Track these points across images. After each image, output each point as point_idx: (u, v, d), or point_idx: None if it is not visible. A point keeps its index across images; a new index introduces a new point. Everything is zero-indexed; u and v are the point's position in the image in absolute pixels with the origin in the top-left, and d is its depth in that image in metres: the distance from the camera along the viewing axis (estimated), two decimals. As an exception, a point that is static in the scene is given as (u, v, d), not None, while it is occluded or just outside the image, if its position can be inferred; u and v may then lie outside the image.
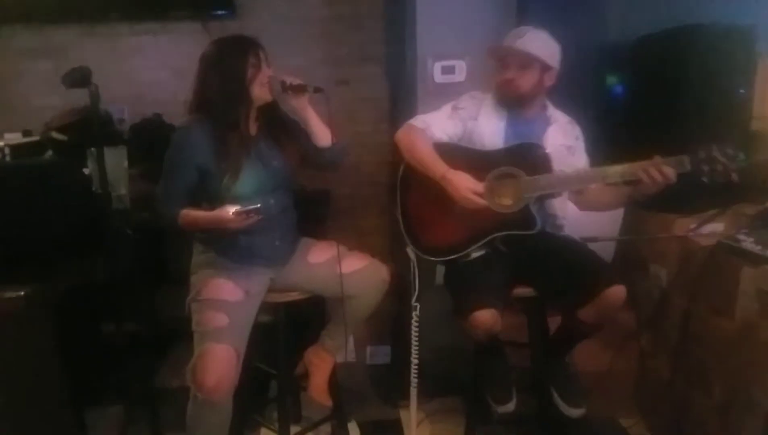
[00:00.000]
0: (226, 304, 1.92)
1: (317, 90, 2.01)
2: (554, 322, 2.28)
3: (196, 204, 1.98)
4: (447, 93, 2.36)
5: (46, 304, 1.56)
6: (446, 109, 2.22)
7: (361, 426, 2.56)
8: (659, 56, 2.33)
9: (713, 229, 2.20)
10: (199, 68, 1.99)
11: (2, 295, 1.50)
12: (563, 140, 2.16)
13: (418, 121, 2.20)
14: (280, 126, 2.11)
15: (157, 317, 2.50)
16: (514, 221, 2.06)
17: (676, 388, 2.28)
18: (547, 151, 2.07)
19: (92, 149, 2.20)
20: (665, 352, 2.37)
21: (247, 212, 1.86)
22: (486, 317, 1.92)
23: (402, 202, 2.25)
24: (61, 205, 1.80)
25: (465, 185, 2.03)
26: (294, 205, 2.18)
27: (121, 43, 3.04)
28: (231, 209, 1.85)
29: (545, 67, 2.09)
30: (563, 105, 2.23)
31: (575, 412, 2.08)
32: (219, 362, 1.82)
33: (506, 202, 2.07)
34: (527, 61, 2.06)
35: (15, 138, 2.63)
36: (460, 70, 2.53)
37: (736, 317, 2.01)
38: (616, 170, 1.96)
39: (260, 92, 1.99)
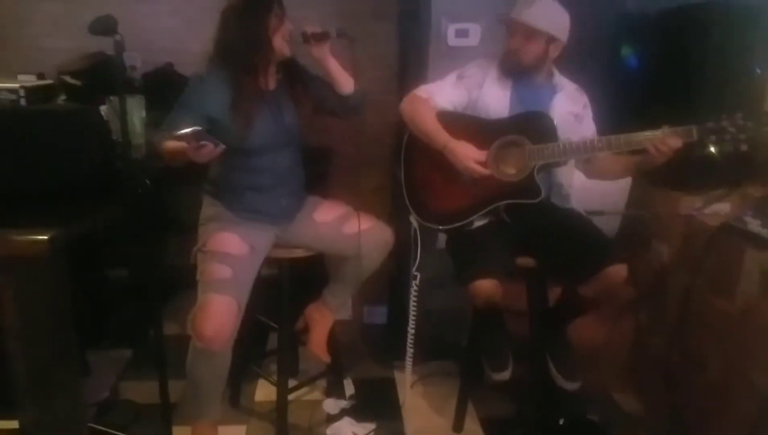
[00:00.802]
0: (231, 257, 1.95)
1: (341, 35, 2.03)
2: (554, 293, 2.30)
3: None
4: (459, 57, 2.33)
5: (67, 248, 1.58)
6: (451, 77, 2.21)
7: (355, 383, 2.60)
8: (678, 31, 2.30)
9: (719, 209, 2.18)
10: (221, 18, 1.99)
11: (27, 238, 1.52)
12: (571, 108, 2.14)
13: (422, 91, 2.20)
14: (298, 81, 2.12)
15: (164, 265, 2.53)
16: (517, 190, 2.06)
17: (672, 365, 2.29)
18: (553, 119, 2.06)
19: (112, 98, 2.19)
20: (662, 328, 2.37)
21: (186, 136, 1.68)
22: (487, 286, 1.94)
23: (406, 171, 2.25)
24: (82, 152, 1.82)
25: (467, 154, 2.04)
26: (302, 163, 2.19)
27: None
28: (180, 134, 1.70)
29: (551, 39, 2.06)
30: (578, 74, 2.20)
31: (570, 385, 2.12)
32: (219, 313, 1.85)
33: (510, 170, 2.07)
34: (532, 32, 2.04)
35: (29, 80, 2.61)
36: (474, 33, 2.46)
37: (737, 299, 2.01)
38: (622, 139, 1.95)
39: (281, 45, 1.99)
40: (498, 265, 1.99)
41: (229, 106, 1.96)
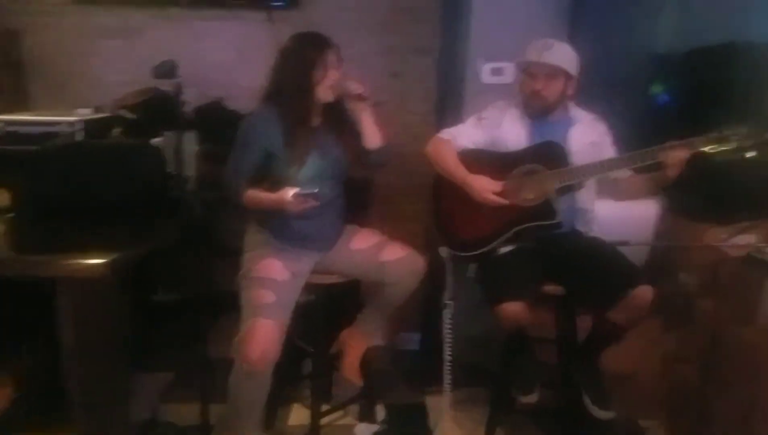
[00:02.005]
0: (274, 283, 2.06)
1: (377, 104, 2.17)
2: (582, 321, 2.36)
3: (259, 182, 2.12)
4: (494, 93, 2.47)
5: (125, 272, 1.72)
6: (471, 120, 2.37)
7: (387, 408, 2.64)
8: (704, 70, 2.39)
9: (744, 240, 2.23)
10: (276, 59, 2.15)
11: (88, 262, 1.66)
12: (589, 137, 2.26)
13: (445, 133, 2.37)
14: (340, 120, 2.23)
15: (210, 289, 2.66)
16: (535, 214, 2.17)
17: (698, 393, 2.32)
18: (563, 146, 2.19)
19: (168, 133, 2.36)
20: (689, 357, 2.41)
21: (306, 196, 1.98)
22: (513, 309, 2.02)
23: (435, 206, 2.40)
24: (141, 182, 1.99)
25: (483, 186, 2.20)
26: (343, 194, 2.31)
27: (188, 28, 3.19)
28: (291, 192, 1.98)
29: (569, 76, 2.20)
30: (611, 112, 2.32)
31: (606, 415, 2.15)
32: (265, 336, 1.96)
33: (529, 196, 2.19)
34: (554, 72, 2.17)
35: (86, 113, 2.79)
36: (509, 71, 2.60)
37: (758, 327, 2.06)
38: (629, 157, 2.08)
39: (324, 94, 2.13)
40: (523, 289, 2.07)
41: (281, 141, 2.10)
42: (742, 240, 2.23)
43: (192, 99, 3.01)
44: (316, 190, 2.00)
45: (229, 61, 3.17)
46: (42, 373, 1.82)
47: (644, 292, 1.98)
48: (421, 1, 3.18)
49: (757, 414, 2.00)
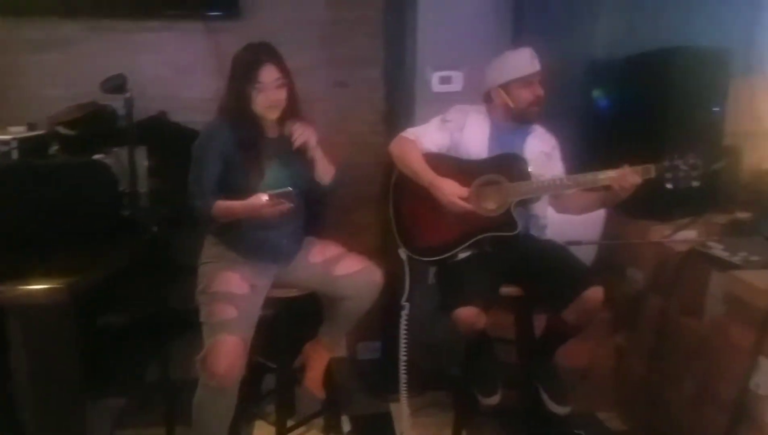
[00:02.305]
0: (234, 297, 2.02)
1: (342, 85, 2.22)
2: (539, 320, 2.43)
3: (219, 194, 2.07)
4: (444, 102, 2.49)
5: (84, 297, 1.65)
6: (435, 121, 2.38)
7: (352, 419, 2.65)
8: (643, 75, 2.49)
9: (687, 236, 2.36)
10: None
11: (47, 288, 1.58)
12: (542, 148, 2.33)
13: (409, 133, 2.36)
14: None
15: (159, 309, 2.58)
16: (497, 224, 2.22)
17: (651, 384, 2.43)
18: (527, 157, 2.25)
19: (115, 149, 2.28)
20: (640, 350, 2.52)
21: (279, 196, 1.94)
22: (468, 314, 2.05)
23: (395, 207, 2.40)
24: (92, 202, 1.90)
25: (451, 190, 2.20)
26: (303, 204, 2.27)
27: (125, 39, 3.07)
28: (264, 196, 1.94)
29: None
30: (553, 116, 2.39)
31: (562, 410, 2.22)
32: (229, 352, 1.91)
33: (491, 206, 2.23)
34: (542, 77, 2.26)
35: (20, 131, 2.64)
36: (457, 80, 2.67)
37: (705, 319, 2.18)
38: (588, 178, 2.15)
39: (264, 111, 2.09)
40: (480, 294, 2.10)
41: (237, 152, 2.07)
42: (684, 236, 2.35)
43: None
44: (289, 189, 1.96)
45: (167, 74, 3.08)
46: None
47: (595, 293, 2.05)
48: (363, 13, 3.19)
49: (706, 400, 2.11)
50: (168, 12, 3.05)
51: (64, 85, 3.00)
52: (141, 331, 2.58)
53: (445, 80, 2.69)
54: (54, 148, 2.65)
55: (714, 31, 2.54)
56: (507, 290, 2.26)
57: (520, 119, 2.31)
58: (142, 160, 2.37)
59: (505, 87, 2.27)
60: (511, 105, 2.28)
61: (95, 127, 2.64)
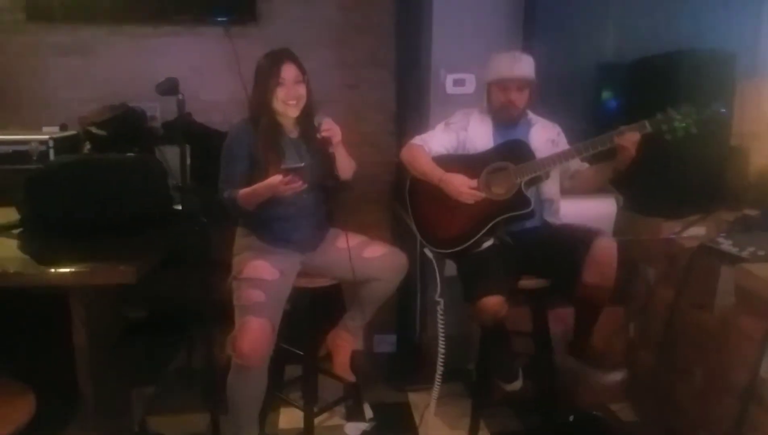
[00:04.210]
0: (264, 283, 2.14)
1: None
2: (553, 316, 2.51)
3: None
4: (457, 103, 2.62)
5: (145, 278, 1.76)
6: (440, 126, 2.50)
7: (373, 407, 2.74)
8: (651, 77, 2.58)
9: (696, 232, 2.44)
10: None
11: (120, 269, 1.69)
12: (547, 136, 2.44)
13: (417, 139, 2.48)
14: (314, 137, 2.25)
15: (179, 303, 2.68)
16: (510, 205, 2.31)
17: (661, 375, 2.51)
18: (534, 147, 2.35)
19: (159, 147, 2.41)
20: (652, 343, 2.60)
21: (293, 170, 2.05)
22: (494, 302, 2.15)
23: (414, 211, 2.50)
24: (146, 194, 2.03)
25: (461, 182, 2.31)
26: (327, 199, 2.39)
27: (144, 44, 3.19)
28: (278, 176, 2.04)
29: (534, 85, 2.37)
30: (561, 117, 2.49)
31: (512, 386, 2.36)
32: (256, 333, 2.05)
33: (501, 191, 2.33)
34: (523, 83, 2.34)
35: (54, 131, 2.78)
36: (470, 82, 2.77)
37: (715, 311, 2.25)
38: (588, 144, 2.24)
39: (281, 107, 2.21)
40: (503, 283, 2.20)
41: (259, 149, 2.18)
42: (694, 232, 2.44)
43: (159, 115, 3.07)
44: (302, 164, 2.08)
45: (187, 77, 3.13)
46: (58, 381, 1.82)
47: (605, 243, 2.16)
48: (375, 17, 3.31)
49: (717, 389, 2.18)
50: (185, 17, 3.16)
51: (87, 88, 3.14)
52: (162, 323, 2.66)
53: (458, 82, 2.79)
54: (87, 148, 2.77)
55: (720, 34, 2.66)
56: (525, 283, 2.34)
57: (496, 118, 2.42)
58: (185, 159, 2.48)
59: (488, 86, 2.40)
60: (485, 103, 2.41)
61: (126, 127, 2.78)
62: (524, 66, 2.33)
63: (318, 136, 2.17)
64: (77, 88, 3.15)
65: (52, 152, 2.62)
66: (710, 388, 2.23)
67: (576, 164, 2.39)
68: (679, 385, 2.42)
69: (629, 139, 2.16)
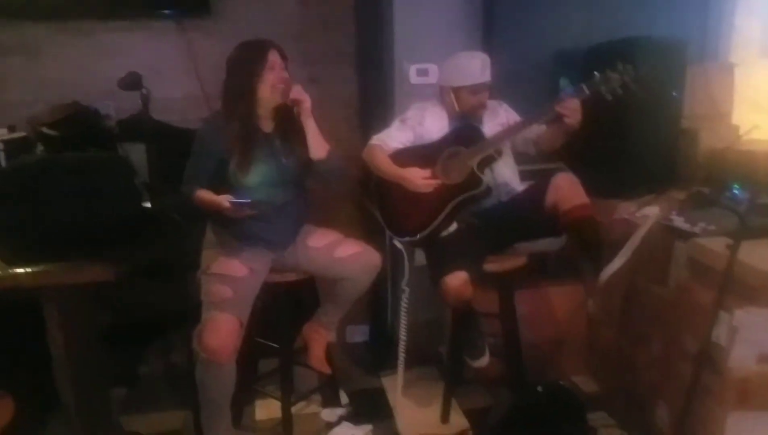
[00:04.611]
0: (232, 279, 2.14)
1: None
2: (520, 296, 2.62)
3: (214, 188, 2.16)
4: (422, 94, 2.67)
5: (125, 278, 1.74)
6: (395, 123, 2.58)
7: (349, 394, 2.80)
8: (605, 63, 2.63)
9: (650, 211, 2.55)
10: (226, 69, 2.21)
11: (96, 268, 1.66)
12: (498, 119, 2.54)
13: (375, 139, 2.55)
14: (294, 126, 2.27)
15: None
16: (466, 186, 2.39)
17: (621, 347, 2.64)
18: (478, 127, 2.45)
19: (123, 145, 2.35)
20: (611, 318, 2.72)
21: (240, 204, 2.08)
22: (457, 281, 2.22)
23: (380, 205, 2.58)
24: (115, 195, 1.98)
25: (415, 175, 2.41)
26: (300, 197, 2.37)
27: (95, 41, 3.07)
28: (226, 202, 2.07)
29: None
30: (521, 102, 2.57)
31: (479, 363, 2.46)
32: (222, 328, 2.05)
33: (455, 175, 2.41)
34: (489, 85, 2.45)
35: (3, 133, 2.67)
36: (433, 72, 2.80)
37: (670, 284, 2.37)
38: (532, 116, 2.37)
39: (270, 93, 2.19)
40: (466, 261, 2.27)
41: (231, 146, 2.16)
42: (648, 211, 2.55)
43: (114, 113, 2.96)
44: (248, 200, 2.10)
45: (144, 75, 3.09)
46: (37, 385, 1.79)
47: (561, 174, 2.30)
48: (334, 10, 3.28)
49: (673, 357, 2.30)
50: (134, 12, 3.05)
51: (34, 88, 3.01)
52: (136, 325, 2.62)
53: (422, 72, 2.83)
54: (39, 149, 2.68)
55: (670, 21, 2.80)
56: (491, 267, 2.42)
57: (463, 117, 2.50)
58: (143, 157, 2.44)
59: (456, 90, 2.46)
60: (457, 108, 2.48)
61: (80, 127, 2.69)
62: (488, 67, 2.42)
63: (287, 102, 2.18)
64: (23, 89, 3.02)
65: (2, 155, 2.53)
66: (667, 355, 2.34)
67: (535, 130, 2.46)
68: (638, 355, 2.53)
69: (569, 106, 2.23)
